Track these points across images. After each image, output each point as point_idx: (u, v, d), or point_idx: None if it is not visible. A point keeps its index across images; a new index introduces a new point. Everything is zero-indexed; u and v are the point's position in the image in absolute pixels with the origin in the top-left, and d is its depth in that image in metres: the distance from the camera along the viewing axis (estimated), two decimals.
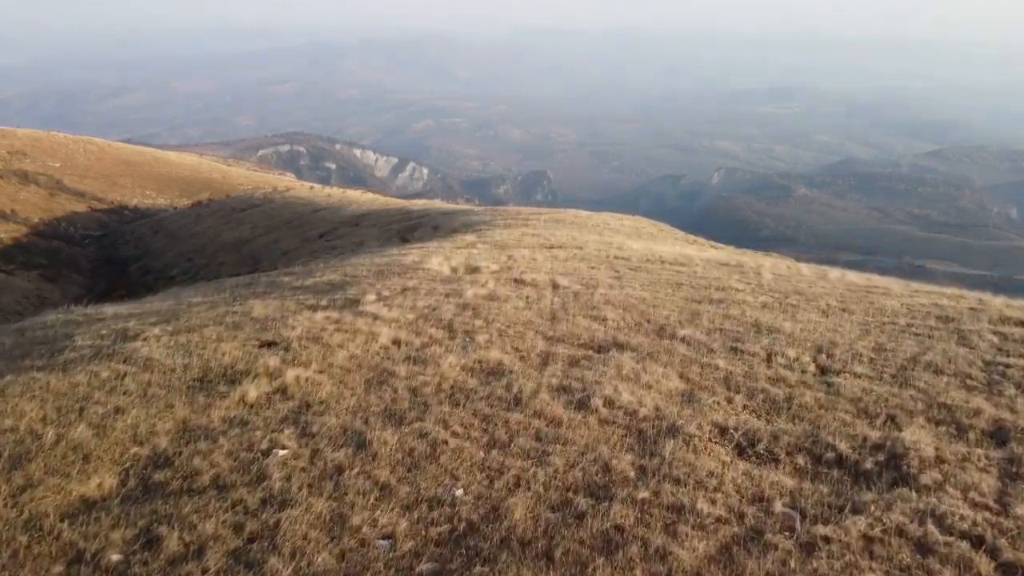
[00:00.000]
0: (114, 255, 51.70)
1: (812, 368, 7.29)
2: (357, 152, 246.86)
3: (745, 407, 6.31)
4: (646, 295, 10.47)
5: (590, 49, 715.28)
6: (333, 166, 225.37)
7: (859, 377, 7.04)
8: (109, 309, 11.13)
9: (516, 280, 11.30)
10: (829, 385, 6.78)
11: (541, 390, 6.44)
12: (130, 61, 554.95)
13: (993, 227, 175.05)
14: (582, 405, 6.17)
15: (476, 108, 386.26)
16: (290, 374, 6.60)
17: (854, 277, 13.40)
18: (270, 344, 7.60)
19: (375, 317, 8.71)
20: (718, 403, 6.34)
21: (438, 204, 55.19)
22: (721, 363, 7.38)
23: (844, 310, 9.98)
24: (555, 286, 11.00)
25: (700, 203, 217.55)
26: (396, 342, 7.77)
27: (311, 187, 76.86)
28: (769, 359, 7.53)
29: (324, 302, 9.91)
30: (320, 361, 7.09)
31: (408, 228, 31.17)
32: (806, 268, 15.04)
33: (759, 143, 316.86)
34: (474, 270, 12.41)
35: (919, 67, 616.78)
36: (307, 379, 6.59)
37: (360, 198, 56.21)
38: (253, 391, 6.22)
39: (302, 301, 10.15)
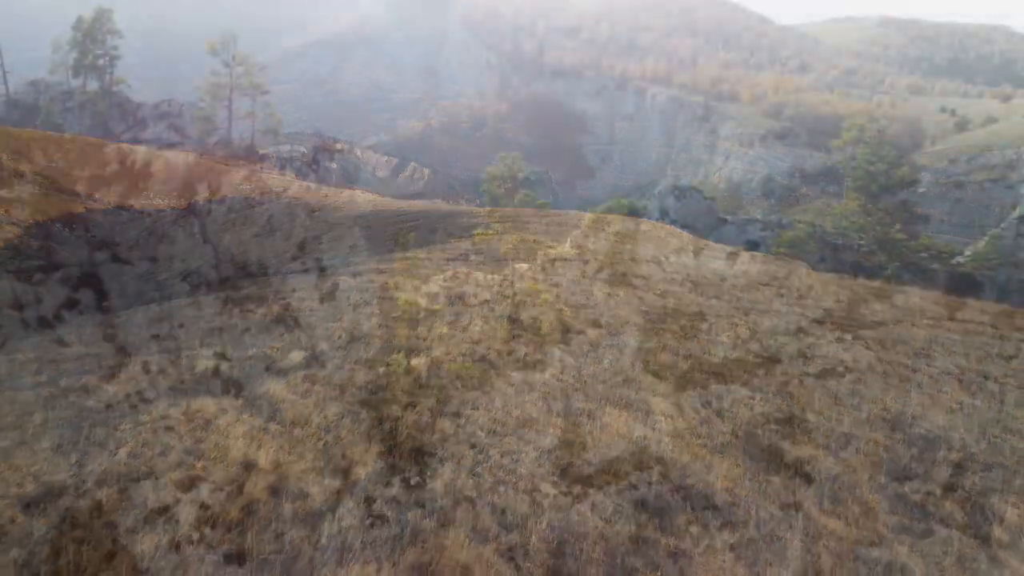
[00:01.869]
0: (108, 258, 50.63)
1: None
2: (358, 152, 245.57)
3: None
4: (698, 352, 7.71)
5: None
6: (334, 166, 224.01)
7: None
8: None
9: (511, 318, 8.89)
10: None
11: None
12: (130, 61, 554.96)
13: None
14: None
15: (478, 107, 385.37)
16: None
17: (917, 298, 11.50)
18: None
19: None
20: None
21: (437, 205, 54.06)
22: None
23: (985, 376, 7.48)
24: (565, 329, 8.61)
25: (700, 202, 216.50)
26: None
27: (308, 187, 75.70)
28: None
29: None
30: None
31: (403, 232, 30.11)
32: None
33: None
34: (458, 298, 9.98)
35: None
36: None
37: (358, 199, 54.96)
38: None
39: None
